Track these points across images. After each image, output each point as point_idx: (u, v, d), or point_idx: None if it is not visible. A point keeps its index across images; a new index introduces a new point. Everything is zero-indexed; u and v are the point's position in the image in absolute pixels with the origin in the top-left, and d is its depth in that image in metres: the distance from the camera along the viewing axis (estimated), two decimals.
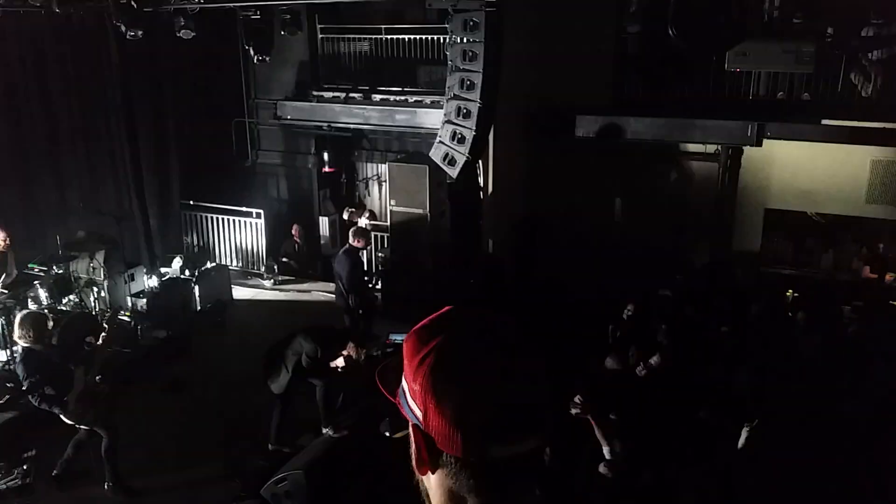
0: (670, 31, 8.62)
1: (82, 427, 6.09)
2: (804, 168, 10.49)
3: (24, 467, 6.46)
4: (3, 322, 7.56)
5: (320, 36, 11.45)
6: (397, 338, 8.71)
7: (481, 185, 10.48)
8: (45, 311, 7.38)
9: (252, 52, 10.31)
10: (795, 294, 9.97)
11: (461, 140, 8.54)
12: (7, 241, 8.10)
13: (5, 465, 6.46)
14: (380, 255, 10.98)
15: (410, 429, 1.23)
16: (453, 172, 8.79)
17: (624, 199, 11.55)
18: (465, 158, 8.59)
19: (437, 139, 8.74)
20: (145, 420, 7.26)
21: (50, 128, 9.63)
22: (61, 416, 5.94)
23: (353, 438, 6.30)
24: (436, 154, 8.79)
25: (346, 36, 11.47)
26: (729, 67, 8.82)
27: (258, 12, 9.78)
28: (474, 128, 8.42)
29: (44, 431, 6.95)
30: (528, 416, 1.17)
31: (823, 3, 7.67)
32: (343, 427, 6.43)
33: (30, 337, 5.83)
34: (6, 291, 7.86)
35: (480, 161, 9.75)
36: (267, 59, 10.52)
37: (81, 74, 9.85)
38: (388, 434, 5.63)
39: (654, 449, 5.83)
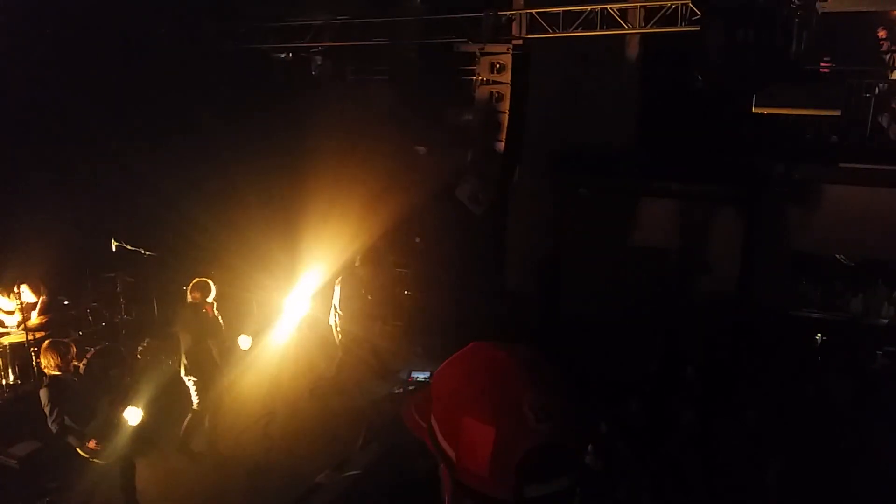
0: (697, 76, 8.70)
1: (96, 461, 6.00)
2: (833, 210, 10.39)
3: (47, 499, 6.48)
4: None
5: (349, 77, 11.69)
6: (419, 375, 8.66)
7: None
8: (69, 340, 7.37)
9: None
10: (824, 338, 9.80)
11: (487, 179, 8.63)
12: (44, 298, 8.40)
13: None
14: (406, 292, 11.00)
15: (441, 470, 1.23)
16: (479, 210, 8.86)
17: (647, 239, 11.51)
18: (490, 197, 8.67)
19: (464, 177, 8.84)
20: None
21: None
22: (77, 449, 5.91)
23: (376, 477, 6.24)
24: (461, 192, 8.88)
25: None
26: (755, 110, 8.84)
27: (290, 53, 10.06)
28: (500, 167, 8.52)
29: (67, 463, 7.02)
30: (561, 456, 1.16)
31: (851, 47, 7.71)
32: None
33: (52, 365, 5.88)
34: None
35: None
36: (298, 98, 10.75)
37: None
38: (415, 468, 5.58)
39: (677, 488, 5.71)
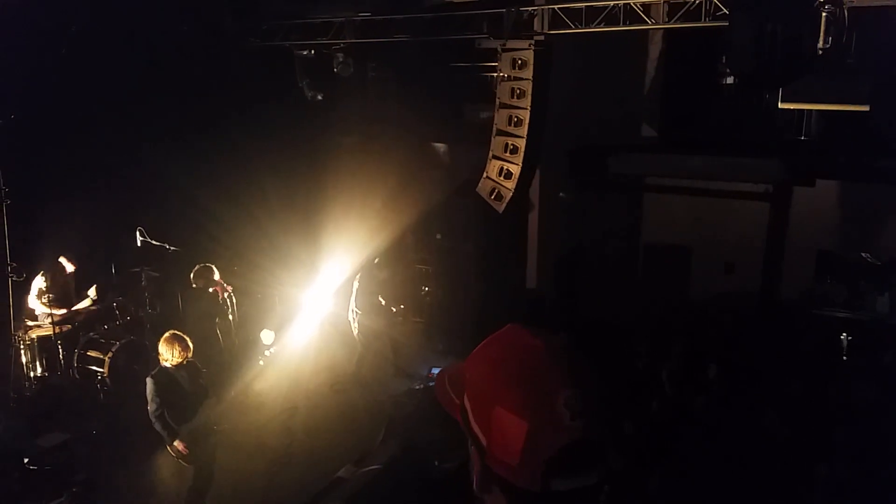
0: (726, 69, 8.61)
1: (181, 462, 6.05)
2: (858, 207, 10.25)
3: (73, 490, 6.58)
4: None
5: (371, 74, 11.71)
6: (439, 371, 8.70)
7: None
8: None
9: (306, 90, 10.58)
10: (849, 338, 9.66)
11: (508, 175, 8.61)
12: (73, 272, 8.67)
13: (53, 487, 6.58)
14: (426, 289, 11.02)
15: (472, 451, 1.24)
16: (500, 208, 8.83)
17: (669, 236, 11.44)
18: (511, 193, 8.64)
19: (485, 174, 8.82)
20: None
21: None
22: (167, 447, 5.94)
23: (396, 472, 6.27)
24: (483, 189, 8.86)
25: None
26: (782, 105, 8.75)
27: (312, 51, 10.08)
28: (521, 163, 8.49)
29: (95, 455, 7.14)
30: (592, 451, 1.16)
31: (879, 42, 7.57)
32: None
33: (171, 356, 5.80)
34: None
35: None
36: (320, 96, 10.79)
37: None
38: (436, 463, 5.60)
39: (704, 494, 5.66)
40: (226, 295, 8.39)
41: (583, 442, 1.14)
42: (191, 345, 5.96)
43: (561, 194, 10.96)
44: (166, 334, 5.99)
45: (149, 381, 5.83)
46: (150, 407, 5.77)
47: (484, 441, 1.20)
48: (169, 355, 5.83)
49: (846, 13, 6.44)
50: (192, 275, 8.01)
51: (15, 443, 7.04)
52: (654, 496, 5.56)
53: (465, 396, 1.25)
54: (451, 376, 1.30)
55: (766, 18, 6.45)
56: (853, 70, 7.95)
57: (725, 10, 7.11)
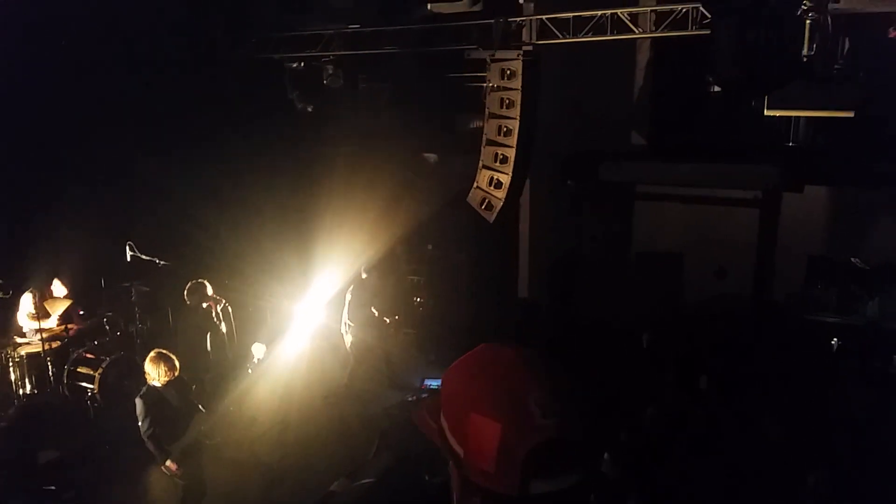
0: (710, 78, 8.66)
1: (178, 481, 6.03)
2: (848, 212, 10.32)
3: None
4: None
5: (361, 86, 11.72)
6: (432, 383, 8.67)
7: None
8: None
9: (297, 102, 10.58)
10: (840, 343, 9.69)
11: (498, 185, 8.63)
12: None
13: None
14: (417, 300, 11.00)
15: (451, 468, 1.24)
16: (490, 217, 8.85)
17: (661, 243, 11.48)
18: (501, 203, 8.66)
19: (475, 184, 8.83)
20: None
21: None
22: (161, 466, 5.93)
23: (390, 485, 6.23)
24: (473, 199, 8.88)
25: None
26: (768, 112, 8.82)
27: (302, 63, 10.09)
28: (511, 173, 8.51)
29: (85, 471, 7.08)
30: (568, 452, 1.16)
31: (864, 48, 7.64)
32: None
33: (157, 375, 5.77)
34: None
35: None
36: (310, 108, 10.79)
37: None
38: (427, 478, 5.57)
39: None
40: (219, 308, 8.34)
41: (557, 441, 1.14)
42: (177, 363, 5.93)
43: (568, 182, 10.94)
44: (152, 353, 5.97)
45: (138, 401, 5.82)
46: (142, 427, 5.77)
47: (461, 452, 1.20)
48: (155, 374, 5.81)
49: (830, 20, 6.49)
50: (185, 291, 7.96)
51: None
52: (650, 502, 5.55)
53: (442, 415, 1.26)
54: (429, 405, 1.32)
55: (749, 26, 6.49)
56: (839, 76, 8.04)
57: None
